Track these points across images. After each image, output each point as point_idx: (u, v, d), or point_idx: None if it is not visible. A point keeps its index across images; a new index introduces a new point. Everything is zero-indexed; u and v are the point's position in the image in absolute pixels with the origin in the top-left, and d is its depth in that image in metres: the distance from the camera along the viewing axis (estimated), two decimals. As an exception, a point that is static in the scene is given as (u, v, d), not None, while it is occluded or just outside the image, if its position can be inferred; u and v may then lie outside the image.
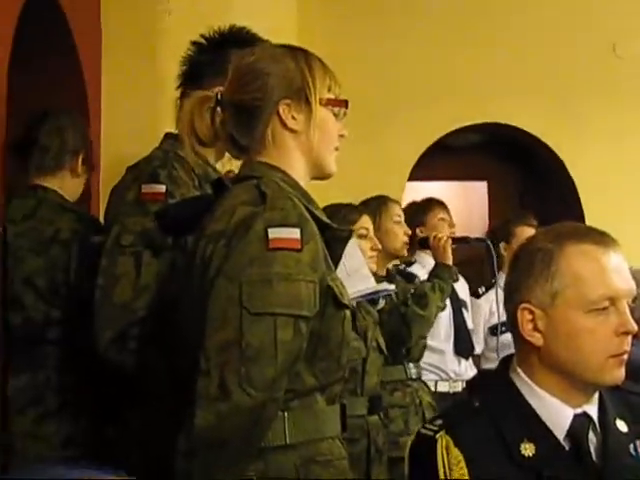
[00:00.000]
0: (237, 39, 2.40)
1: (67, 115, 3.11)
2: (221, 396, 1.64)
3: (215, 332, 1.68)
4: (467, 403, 1.77)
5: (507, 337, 4.37)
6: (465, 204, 5.86)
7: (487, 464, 1.65)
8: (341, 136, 1.94)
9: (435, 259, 3.87)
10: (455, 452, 1.64)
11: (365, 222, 3.40)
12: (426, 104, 5.24)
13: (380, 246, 3.41)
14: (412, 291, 3.69)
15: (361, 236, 3.33)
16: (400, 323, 3.57)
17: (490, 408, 1.73)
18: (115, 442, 2.30)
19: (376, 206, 3.81)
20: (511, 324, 1.76)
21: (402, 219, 3.86)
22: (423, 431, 1.71)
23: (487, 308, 4.78)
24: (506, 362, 1.82)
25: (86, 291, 2.58)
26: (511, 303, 1.77)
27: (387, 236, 3.78)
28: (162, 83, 3.81)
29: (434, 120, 5.27)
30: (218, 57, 2.38)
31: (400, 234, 3.83)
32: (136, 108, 3.89)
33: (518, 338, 1.77)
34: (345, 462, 1.85)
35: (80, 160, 2.96)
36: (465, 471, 1.62)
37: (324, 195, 2.32)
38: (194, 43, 2.48)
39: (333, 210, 3.16)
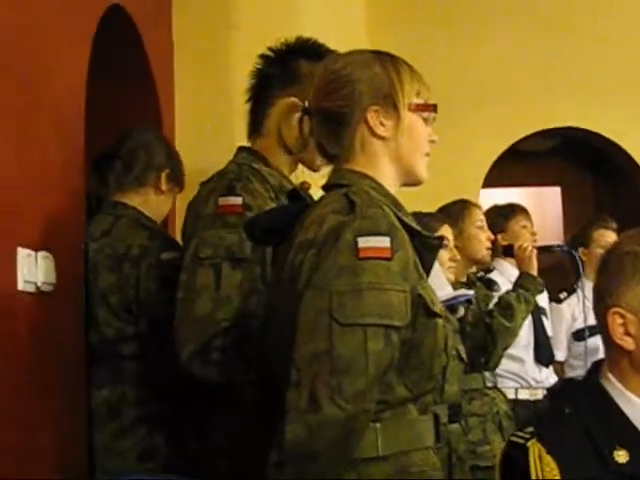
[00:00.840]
0: (304, 50, 2.40)
1: (152, 132, 3.14)
2: (312, 408, 1.61)
3: (305, 343, 1.66)
4: (558, 410, 1.72)
5: (594, 341, 4.39)
6: (539, 210, 5.76)
7: (580, 471, 1.61)
8: (431, 141, 1.90)
9: (520, 269, 3.82)
10: (547, 460, 1.60)
11: (446, 231, 3.37)
12: (499, 109, 5.18)
13: (459, 257, 3.39)
14: (496, 301, 3.64)
15: None
16: (485, 334, 3.53)
17: (581, 415, 1.68)
18: (198, 456, 2.29)
19: (458, 211, 3.78)
20: (601, 328, 1.71)
21: (484, 224, 3.82)
22: (514, 439, 1.67)
23: (569, 314, 4.72)
24: (596, 367, 1.77)
25: (156, 307, 2.61)
26: (601, 307, 1.72)
27: (469, 241, 3.75)
28: (233, 98, 3.83)
29: (507, 125, 5.21)
30: (286, 68, 2.38)
31: (483, 239, 3.79)
32: (209, 122, 3.91)
33: (609, 343, 1.72)
34: (440, 473, 1.82)
35: (164, 177, 2.96)
36: (559, 478, 1.57)
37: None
38: (262, 56, 2.48)
39: (415, 218, 3.13)
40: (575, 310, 4.69)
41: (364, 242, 1.68)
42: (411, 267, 1.73)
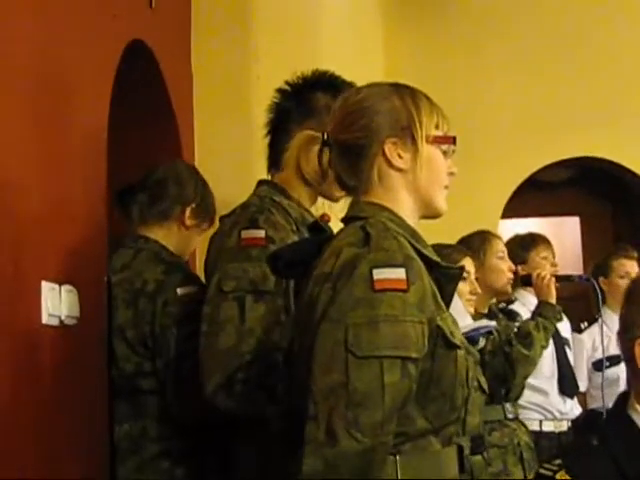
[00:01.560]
0: (321, 82, 2.42)
1: (181, 163, 3.11)
2: (328, 441, 1.61)
3: (322, 376, 1.66)
4: (585, 442, 1.71)
5: (614, 371, 4.37)
6: (558, 240, 5.72)
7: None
8: (451, 174, 1.90)
9: (538, 297, 3.80)
10: (576, 492, 1.59)
11: (467, 264, 3.37)
12: (517, 140, 5.20)
13: (479, 290, 3.37)
14: (515, 330, 3.63)
15: (461, 278, 3.30)
16: (504, 363, 3.51)
17: (609, 446, 1.67)
18: None
19: (479, 242, 3.78)
20: (628, 359, 1.70)
21: (505, 254, 3.81)
22: (542, 471, 1.66)
23: (590, 343, 4.70)
24: (623, 398, 1.76)
25: (171, 343, 2.60)
26: (628, 338, 1.71)
27: (491, 272, 3.74)
28: (252, 131, 3.84)
29: (526, 156, 5.22)
30: (303, 101, 2.40)
31: (504, 269, 3.79)
32: (228, 156, 3.93)
33: (636, 373, 1.71)
34: None
35: (189, 212, 2.88)
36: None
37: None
38: (279, 90, 2.50)
39: (436, 249, 3.13)
40: (596, 340, 4.66)
41: (379, 274, 1.68)
42: (428, 298, 1.73)
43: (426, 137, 1.85)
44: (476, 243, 3.75)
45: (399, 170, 1.85)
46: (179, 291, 2.66)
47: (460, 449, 1.82)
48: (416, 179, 1.85)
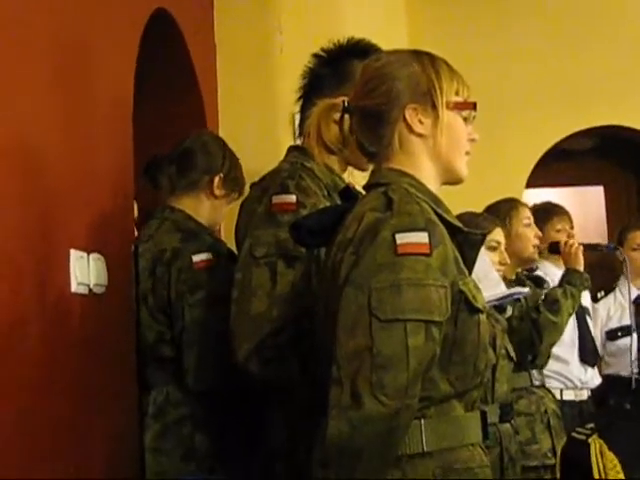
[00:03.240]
0: (356, 50, 2.39)
1: (208, 134, 3.10)
2: (354, 405, 1.61)
3: (346, 340, 1.66)
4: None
5: (625, 342, 4.38)
6: (582, 210, 5.72)
7: (643, 466, 1.59)
8: (472, 140, 1.89)
9: (566, 265, 3.81)
10: (610, 456, 1.58)
11: (498, 234, 3.36)
12: (542, 108, 5.15)
13: (509, 261, 3.36)
14: (543, 297, 3.62)
15: (491, 248, 3.29)
16: (531, 329, 3.51)
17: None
18: (253, 463, 2.28)
19: (506, 210, 3.76)
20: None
21: (532, 221, 3.80)
22: (575, 435, 1.66)
23: (605, 313, 4.73)
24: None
25: (185, 310, 2.61)
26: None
27: (518, 240, 3.73)
28: (276, 99, 3.85)
29: (550, 125, 5.17)
30: (338, 68, 2.38)
31: (531, 237, 3.77)
32: (252, 125, 3.93)
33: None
34: (487, 470, 1.80)
35: (217, 181, 2.89)
36: (622, 475, 1.56)
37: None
38: (315, 55, 2.48)
39: (467, 218, 3.13)
40: (610, 309, 4.71)
41: (402, 238, 1.68)
42: (451, 262, 1.73)
43: (446, 103, 1.84)
44: (503, 210, 3.73)
45: (420, 136, 1.84)
46: (194, 258, 2.67)
47: (483, 415, 1.81)
48: (437, 145, 1.84)
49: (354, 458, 1.62)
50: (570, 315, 3.65)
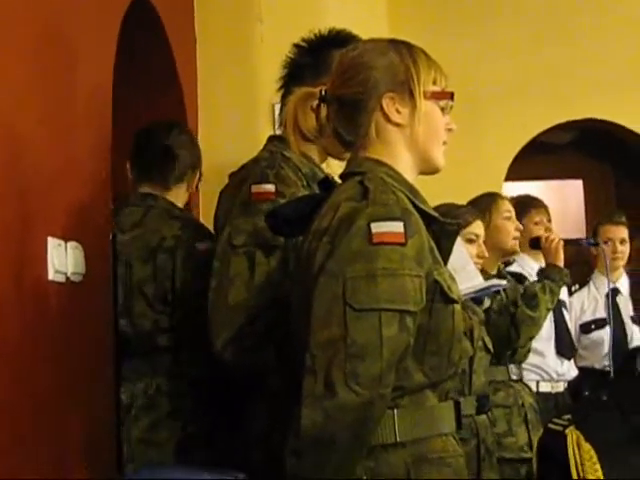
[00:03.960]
0: (337, 40, 2.39)
1: (188, 131, 3.15)
2: (327, 394, 1.62)
3: (320, 330, 1.66)
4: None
5: (599, 334, 4.43)
6: (561, 203, 5.75)
7: (619, 456, 1.59)
8: (449, 130, 1.89)
9: (546, 260, 3.83)
10: (587, 447, 1.59)
11: (477, 227, 3.36)
12: (520, 101, 5.16)
13: (487, 254, 3.37)
14: (521, 291, 3.64)
15: (470, 241, 3.30)
16: (509, 324, 3.53)
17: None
18: (232, 447, 2.29)
19: (487, 203, 3.78)
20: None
21: (512, 214, 3.82)
22: (552, 426, 1.66)
23: (578, 306, 4.78)
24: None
25: (191, 298, 2.61)
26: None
27: (498, 233, 3.75)
28: (256, 88, 3.84)
29: (529, 118, 5.18)
30: (319, 58, 2.38)
31: (511, 230, 3.79)
32: (232, 115, 3.92)
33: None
34: (461, 459, 1.81)
35: (198, 176, 2.98)
36: (598, 466, 1.56)
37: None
38: (295, 45, 2.49)
39: (447, 209, 3.14)
40: (584, 302, 4.76)
41: (377, 227, 1.68)
42: (426, 252, 1.73)
43: (424, 92, 1.85)
44: (483, 205, 3.75)
45: (397, 125, 1.85)
46: (198, 246, 2.68)
47: (457, 405, 1.82)
48: (414, 134, 1.85)
49: (327, 447, 1.62)
50: (549, 310, 3.67)
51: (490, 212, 3.75)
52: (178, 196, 2.93)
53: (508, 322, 3.53)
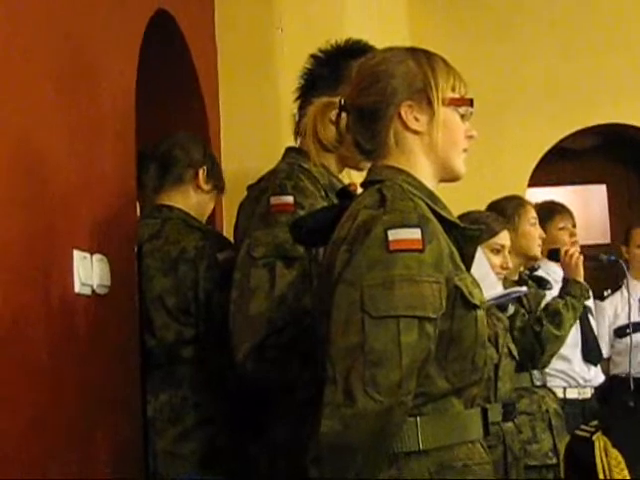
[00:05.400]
0: (354, 51, 2.41)
1: (185, 133, 3.14)
2: (346, 402, 1.62)
3: (339, 338, 1.67)
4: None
5: (636, 338, 4.39)
6: (585, 209, 5.73)
7: (647, 463, 1.59)
8: (469, 137, 1.90)
9: (566, 275, 3.82)
10: (614, 453, 1.59)
11: (504, 238, 3.36)
12: (543, 107, 5.16)
13: (511, 265, 3.37)
14: (543, 307, 3.64)
15: (495, 251, 3.30)
16: (533, 341, 3.54)
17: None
18: (258, 458, 2.29)
19: (514, 208, 3.78)
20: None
21: (537, 221, 3.81)
22: (579, 433, 1.66)
23: (611, 311, 4.78)
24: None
25: (215, 308, 2.61)
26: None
27: (524, 238, 3.75)
28: (278, 99, 3.85)
29: (552, 123, 5.18)
30: (336, 69, 2.39)
31: (536, 236, 3.79)
32: (254, 125, 3.93)
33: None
34: (488, 467, 1.80)
35: (202, 174, 2.94)
36: (626, 472, 1.56)
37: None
38: (312, 56, 2.51)
39: (475, 217, 3.15)
40: (617, 307, 4.74)
41: (394, 235, 1.69)
42: (445, 258, 1.73)
43: (442, 99, 1.85)
44: (509, 208, 3.75)
45: (416, 133, 1.86)
46: (219, 256, 2.69)
47: (484, 412, 1.82)
48: (433, 142, 1.85)
49: (347, 456, 1.63)
50: (572, 326, 3.69)
51: (518, 217, 3.76)
52: (189, 201, 2.91)
53: (532, 339, 3.55)
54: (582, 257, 3.81)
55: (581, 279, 3.77)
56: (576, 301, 3.68)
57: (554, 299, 3.73)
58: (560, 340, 3.63)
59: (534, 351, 3.56)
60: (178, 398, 2.68)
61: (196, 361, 2.69)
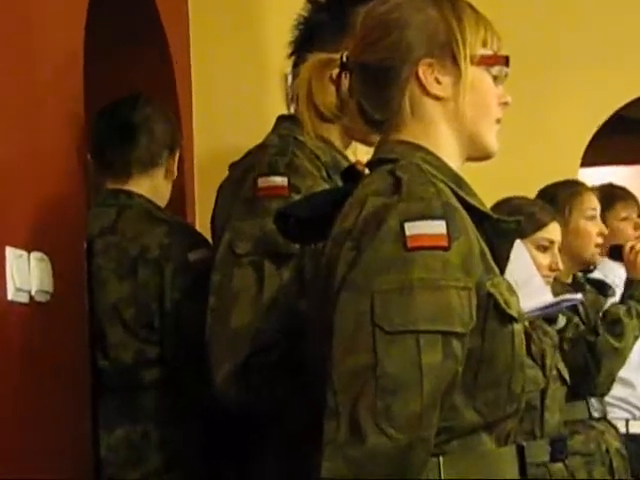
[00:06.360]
0: None
1: (156, 104, 3.12)
2: (353, 439, 1.61)
3: (343, 358, 1.66)
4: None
5: None
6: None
7: None
8: (503, 104, 1.89)
9: (630, 275, 3.83)
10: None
11: (553, 231, 3.39)
12: (599, 69, 5.14)
13: (561, 266, 3.37)
14: (601, 316, 3.64)
15: (541, 248, 3.31)
16: (586, 355, 3.55)
17: None
18: None
19: (567, 197, 3.80)
20: None
21: (597, 213, 3.82)
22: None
23: None
24: None
25: (185, 322, 2.62)
26: None
27: (578, 236, 3.77)
28: (265, 55, 3.85)
29: (611, 88, 5.17)
30: (339, 16, 2.40)
31: (593, 234, 3.80)
32: (235, 90, 3.93)
33: None
34: None
35: (177, 158, 2.99)
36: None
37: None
38: (309, 1, 2.50)
39: (516, 205, 3.17)
40: None
41: (413, 228, 1.68)
42: (475, 258, 1.73)
43: (471, 57, 1.85)
44: (562, 197, 3.76)
45: (437, 98, 1.85)
46: (191, 256, 2.69)
47: (520, 449, 1.82)
48: (459, 109, 1.85)
49: None
50: (637, 338, 3.69)
51: (570, 209, 3.77)
52: (155, 189, 2.93)
53: (585, 353, 3.55)
54: None
55: None
56: None
57: (614, 305, 3.74)
58: (620, 355, 3.62)
59: (587, 369, 3.57)
60: (138, 434, 2.68)
61: (161, 387, 2.70)
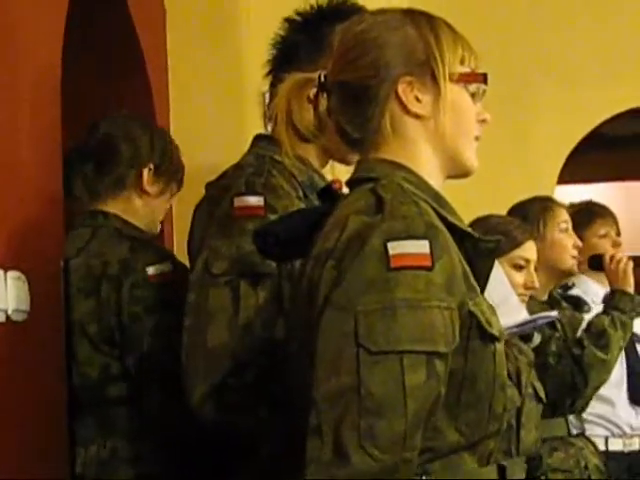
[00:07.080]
0: (339, 13, 2.40)
1: (127, 118, 3.08)
2: (337, 460, 1.61)
3: (326, 379, 1.66)
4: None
5: None
6: (629, 209, 5.79)
7: None
8: (482, 121, 1.89)
9: (612, 286, 3.84)
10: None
11: (529, 250, 3.38)
12: (578, 85, 5.18)
13: (537, 284, 3.38)
14: (584, 326, 3.65)
15: (517, 267, 3.32)
16: (573, 368, 3.54)
17: None
18: None
19: (538, 212, 3.80)
20: None
21: (570, 226, 3.83)
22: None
23: None
24: None
25: (144, 337, 2.62)
26: None
27: (553, 249, 3.77)
28: (242, 74, 3.86)
29: (588, 105, 5.20)
30: (316, 35, 2.40)
31: (569, 246, 3.81)
32: (212, 109, 3.93)
33: None
34: None
35: (147, 174, 2.91)
36: None
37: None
38: (287, 20, 2.51)
39: (494, 223, 3.17)
40: None
41: (396, 248, 1.68)
42: (458, 277, 1.73)
43: (450, 75, 1.85)
44: (533, 212, 3.77)
45: (417, 117, 1.85)
46: (150, 270, 2.69)
47: (501, 469, 1.82)
48: (439, 127, 1.85)
49: None
50: (621, 349, 3.70)
51: (543, 223, 3.78)
52: (128, 209, 2.90)
53: (571, 367, 3.55)
54: (631, 263, 3.84)
55: (631, 290, 3.79)
56: (626, 317, 3.70)
57: (598, 316, 3.75)
58: (607, 366, 3.63)
59: (574, 383, 3.57)
60: (107, 450, 2.68)
61: (129, 403, 2.69)
